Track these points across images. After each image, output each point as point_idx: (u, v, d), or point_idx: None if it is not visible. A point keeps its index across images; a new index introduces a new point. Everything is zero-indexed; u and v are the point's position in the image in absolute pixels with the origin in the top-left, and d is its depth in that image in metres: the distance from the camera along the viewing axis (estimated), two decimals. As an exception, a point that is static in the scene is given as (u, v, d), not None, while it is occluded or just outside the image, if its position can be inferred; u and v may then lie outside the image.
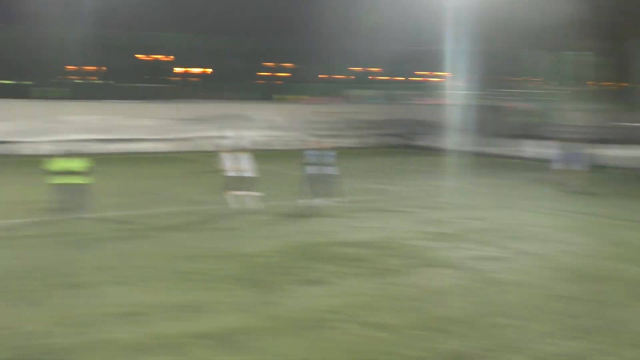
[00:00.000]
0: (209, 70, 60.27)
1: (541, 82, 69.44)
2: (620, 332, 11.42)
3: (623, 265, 15.93)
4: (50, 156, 21.13)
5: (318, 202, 22.51)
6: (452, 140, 48.52)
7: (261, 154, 28.11)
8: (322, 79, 65.22)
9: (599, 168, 32.81)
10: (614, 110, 48.95)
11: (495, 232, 19.45)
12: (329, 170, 22.69)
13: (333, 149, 23.57)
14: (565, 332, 11.27)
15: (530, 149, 33.78)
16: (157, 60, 59.34)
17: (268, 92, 59.97)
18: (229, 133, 31.96)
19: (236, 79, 56.60)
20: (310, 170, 22.68)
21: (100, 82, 57.91)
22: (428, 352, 10.28)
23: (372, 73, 65.67)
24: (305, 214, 21.72)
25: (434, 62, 65.49)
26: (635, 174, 35.20)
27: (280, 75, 63.26)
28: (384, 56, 61.41)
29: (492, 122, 51.08)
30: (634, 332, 11.42)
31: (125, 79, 55.13)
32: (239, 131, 31.59)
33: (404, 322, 11.54)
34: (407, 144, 49.63)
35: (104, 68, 56.05)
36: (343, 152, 41.07)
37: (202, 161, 34.75)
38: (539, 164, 33.88)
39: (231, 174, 22.53)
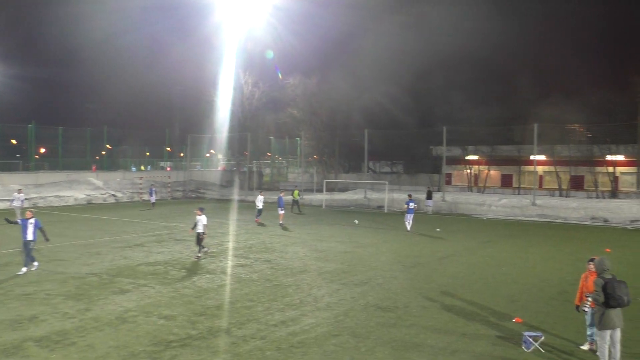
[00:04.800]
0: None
1: (279, 156, 72.85)
2: (317, 303, 12.50)
3: (317, 263, 17.15)
4: None
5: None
6: (224, 193, 49.17)
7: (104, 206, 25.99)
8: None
9: (314, 207, 34.78)
10: (323, 172, 52.76)
11: (244, 249, 19.78)
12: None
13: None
14: (283, 306, 12.16)
15: (268, 196, 35.05)
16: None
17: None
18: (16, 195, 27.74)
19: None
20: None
21: None
22: (198, 330, 10.35)
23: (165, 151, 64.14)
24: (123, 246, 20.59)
25: (213, 143, 66.12)
26: (337, 209, 38.05)
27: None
28: (175, 139, 60.85)
29: (249, 180, 52.47)
30: (324, 302, 12.56)
31: None
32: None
33: (183, 312, 11.51)
34: (199, 196, 49.14)
35: None
36: (159, 202, 39.99)
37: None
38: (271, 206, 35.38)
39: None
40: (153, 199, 37.49)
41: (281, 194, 29.03)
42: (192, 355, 9.00)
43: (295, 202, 35.47)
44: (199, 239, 17.92)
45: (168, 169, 62.17)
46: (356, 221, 28.36)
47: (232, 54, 53.06)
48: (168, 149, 63.33)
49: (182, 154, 64.50)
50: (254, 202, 43.07)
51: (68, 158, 49.03)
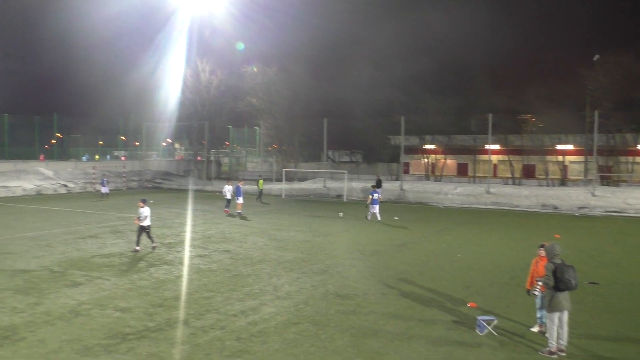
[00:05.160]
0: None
1: (238, 145, 72.11)
2: (277, 292, 12.48)
3: (276, 252, 17.12)
4: None
5: None
6: (182, 183, 48.36)
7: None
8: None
9: (269, 197, 34.70)
10: (282, 161, 52.59)
11: (202, 239, 19.59)
12: None
13: None
14: (242, 296, 12.10)
15: (230, 186, 34.17)
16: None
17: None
18: None
19: None
20: None
21: None
22: (155, 321, 10.17)
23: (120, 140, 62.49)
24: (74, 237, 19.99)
25: (169, 132, 64.70)
26: (296, 199, 38.07)
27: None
28: (133, 129, 59.34)
29: (207, 170, 51.80)
30: (284, 290, 12.53)
31: None
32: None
33: (140, 304, 11.31)
34: (156, 186, 48.11)
35: None
36: (114, 193, 38.93)
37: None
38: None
39: None
40: (105, 189, 36.17)
41: (239, 184, 28.56)
42: (149, 347, 8.85)
43: (260, 192, 35.13)
44: (144, 231, 17.03)
45: (123, 158, 60.61)
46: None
47: (188, 42, 52.07)
48: (122, 137, 61.66)
49: (137, 143, 62.94)
50: (212, 192, 42.77)
51: (15, 147, 47.08)
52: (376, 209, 25.15)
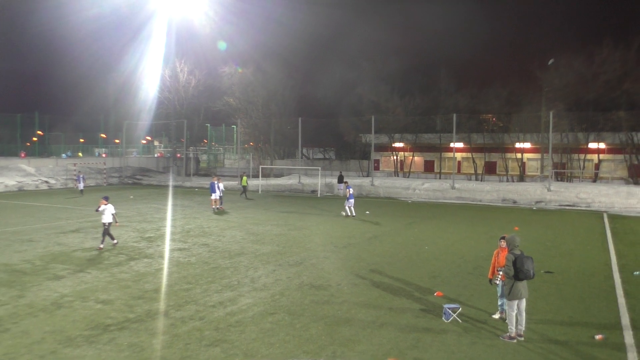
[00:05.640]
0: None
1: (215, 143, 71.42)
2: (254, 284, 12.43)
3: (253, 245, 17.05)
4: None
5: None
6: (162, 179, 47.67)
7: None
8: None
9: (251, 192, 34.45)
10: (259, 158, 52.30)
11: (182, 234, 19.39)
12: None
13: None
14: (221, 288, 12.01)
15: (205, 182, 32.51)
16: None
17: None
18: None
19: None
20: None
21: None
22: (136, 313, 10.05)
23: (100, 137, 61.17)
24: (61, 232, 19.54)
25: (149, 130, 63.65)
26: (272, 194, 37.92)
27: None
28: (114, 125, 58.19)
29: (186, 166, 51.16)
30: (261, 282, 12.52)
31: None
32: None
33: (121, 296, 11.14)
34: (136, 182, 47.28)
35: None
36: (95, 189, 38.11)
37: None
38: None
39: None
40: (81, 185, 34.89)
41: (214, 180, 27.49)
42: (130, 338, 8.72)
43: (243, 188, 34.43)
44: (105, 229, 16.28)
45: (104, 155, 59.35)
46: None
47: (167, 42, 51.23)
48: (103, 135, 60.37)
49: (117, 141, 61.71)
50: (191, 188, 42.24)
51: (-4, 144, 45.67)
52: (351, 204, 24.73)
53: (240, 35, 52.28)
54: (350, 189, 25.12)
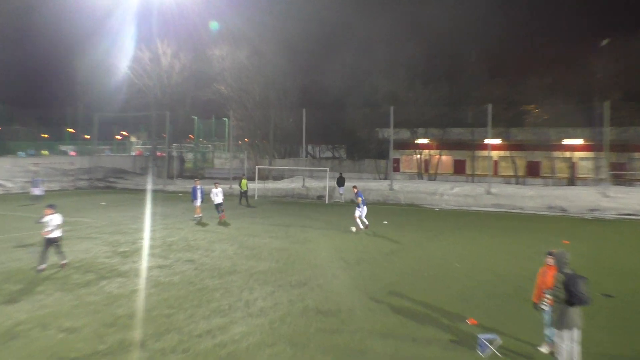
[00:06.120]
0: None
1: (203, 139, 71.66)
2: (249, 308, 12.23)
3: (248, 262, 16.95)
4: None
5: None
6: (140, 182, 47.83)
7: None
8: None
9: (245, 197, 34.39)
10: (255, 157, 52.36)
11: (162, 247, 19.34)
12: None
13: None
14: (209, 313, 11.88)
15: (217, 188, 30.42)
16: None
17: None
18: None
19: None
20: None
21: None
22: (107, 343, 9.93)
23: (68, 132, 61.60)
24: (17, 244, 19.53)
25: (125, 124, 63.95)
26: (271, 200, 37.85)
27: None
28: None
29: (169, 167, 51.31)
30: (257, 306, 12.37)
31: None
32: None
33: (89, 323, 11.06)
34: (109, 185, 47.54)
35: None
36: (59, 194, 38.27)
37: None
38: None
39: None
40: (38, 191, 33.82)
41: (196, 184, 27.20)
42: (98, 375, 8.62)
43: (243, 193, 34.28)
44: (52, 245, 15.59)
45: (72, 153, 59.68)
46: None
47: (147, 21, 51.43)
48: (70, 130, 60.76)
49: (87, 137, 62.11)
50: (174, 192, 42.31)
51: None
52: (363, 212, 23.93)
53: (233, 12, 52.41)
54: (361, 196, 24.18)
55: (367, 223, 24.24)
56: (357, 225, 23.76)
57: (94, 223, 25.29)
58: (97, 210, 30.77)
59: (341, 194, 37.24)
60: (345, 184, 37.52)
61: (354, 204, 26.32)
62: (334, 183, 38.41)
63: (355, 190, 24.76)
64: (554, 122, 42.97)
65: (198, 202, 26.72)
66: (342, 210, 31.71)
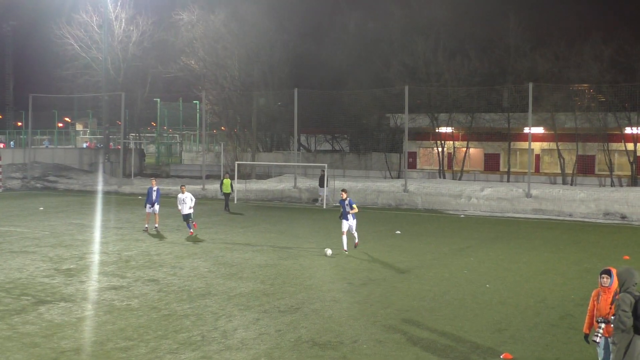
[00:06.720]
0: None
1: (169, 127, 71.62)
2: (227, 339, 12.31)
3: (226, 282, 17.00)
4: None
5: None
6: (88, 182, 47.82)
7: None
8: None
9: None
10: (234, 150, 52.38)
11: (117, 264, 19.38)
12: None
13: None
14: (177, 346, 11.94)
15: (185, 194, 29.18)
16: None
17: None
18: None
19: None
20: None
21: None
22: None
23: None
24: None
25: (69, 108, 63.77)
26: (254, 204, 37.87)
27: None
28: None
29: (125, 163, 51.33)
30: (237, 337, 12.44)
31: None
32: None
33: (24, 359, 11.12)
34: (48, 186, 47.53)
35: None
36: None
37: None
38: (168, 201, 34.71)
39: None
40: None
41: (153, 184, 26.94)
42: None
43: (226, 196, 34.37)
44: None
45: (0, 145, 59.70)
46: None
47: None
48: (-4, 115, 60.84)
49: (20, 124, 62.11)
50: (132, 195, 42.32)
51: None
52: (349, 227, 21.82)
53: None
54: (353, 204, 21.99)
55: (356, 240, 22.34)
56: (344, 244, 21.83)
57: (29, 233, 25.29)
58: (33, 217, 30.77)
59: (323, 196, 37.18)
60: (329, 183, 37.52)
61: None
62: (341, 183, 38.56)
63: (345, 196, 21.98)
64: (613, 106, 43.03)
65: (148, 209, 26.35)
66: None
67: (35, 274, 17.79)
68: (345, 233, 21.79)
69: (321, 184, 37.73)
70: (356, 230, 22.21)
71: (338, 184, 39.65)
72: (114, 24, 51.63)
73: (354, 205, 22.02)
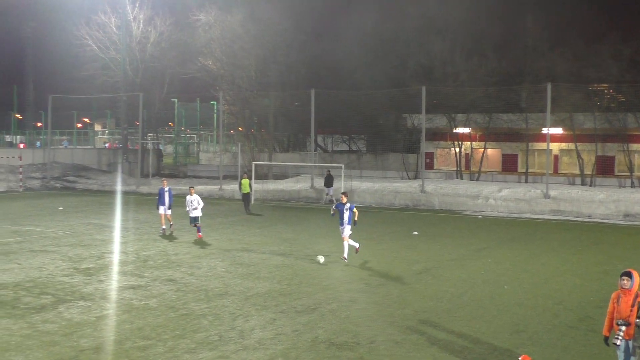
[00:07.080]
0: None
1: (186, 128, 71.87)
2: (244, 339, 12.31)
3: (243, 282, 17.05)
4: None
5: None
6: (106, 182, 48.13)
7: None
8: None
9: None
10: (251, 151, 52.46)
11: (136, 264, 19.52)
12: None
13: None
14: (194, 345, 11.97)
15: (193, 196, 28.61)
16: None
17: None
18: None
19: None
20: None
21: None
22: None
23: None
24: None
25: (88, 109, 64.16)
26: (271, 205, 37.94)
27: None
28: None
29: (143, 163, 51.56)
30: (254, 337, 12.40)
31: None
32: None
33: (44, 357, 11.20)
34: (67, 186, 47.90)
35: None
36: (3, 196, 38.56)
37: None
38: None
39: None
40: None
41: (164, 185, 26.51)
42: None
43: (245, 196, 34.02)
44: None
45: (21, 145, 60.15)
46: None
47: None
48: (17, 115, 61.26)
49: (40, 124, 62.54)
50: (150, 194, 42.46)
51: None
52: (346, 231, 20.42)
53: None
54: (353, 207, 20.70)
55: (356, 246, 20.99)
56: (348, 249, 20.52)
57: (49, 233, 25.50)
58: (53, 216, 31.00)
59: (329, 196, 37.43)
60: (334, 183, 37.75)
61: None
62: (358, 184, 38.53)
63: (345, 200, 20.75)
64: (633, 106, 42.68)
65: (161, 210, 25.90)
66: (360, 216, 31.68)
67: (55, 273, 17.98)
68: (346, 238, 20.34)
69: (327, 184, 37.87)
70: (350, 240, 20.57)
71: (355, 184, 39.68)
72: (132, 24, 51.93)
73: (355, 210, 20.70)
